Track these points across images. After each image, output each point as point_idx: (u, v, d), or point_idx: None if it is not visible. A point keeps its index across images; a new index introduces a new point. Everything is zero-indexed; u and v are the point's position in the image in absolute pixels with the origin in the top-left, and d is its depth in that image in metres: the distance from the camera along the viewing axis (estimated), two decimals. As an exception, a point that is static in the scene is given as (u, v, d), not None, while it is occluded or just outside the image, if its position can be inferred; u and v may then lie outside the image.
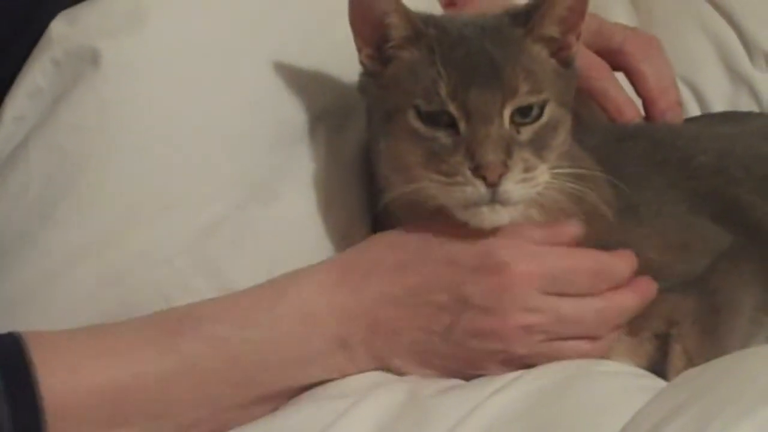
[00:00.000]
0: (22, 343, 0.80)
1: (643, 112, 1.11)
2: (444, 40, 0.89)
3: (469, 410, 0.82)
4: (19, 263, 0.87)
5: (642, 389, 0.84)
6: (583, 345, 0.90)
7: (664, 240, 0.94)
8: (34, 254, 0.87)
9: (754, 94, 1.24)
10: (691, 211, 0.96)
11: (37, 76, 0.89)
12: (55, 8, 0.91)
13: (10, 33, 0.89)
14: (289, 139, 0.95)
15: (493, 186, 0.85)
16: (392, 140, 0.90)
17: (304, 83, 0.96)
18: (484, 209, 0.86)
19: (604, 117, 1.10)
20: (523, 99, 0.87)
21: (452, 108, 0.86)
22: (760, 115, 1.20)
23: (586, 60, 1.06)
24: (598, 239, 0.92)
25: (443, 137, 0.87)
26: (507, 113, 0.87)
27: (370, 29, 0.91)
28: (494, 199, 0.85)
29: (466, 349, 0.88)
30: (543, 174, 0.87)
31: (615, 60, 1.11)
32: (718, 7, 1.27)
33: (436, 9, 1.10)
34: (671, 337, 0.92)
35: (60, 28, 0.90)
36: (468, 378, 0.88)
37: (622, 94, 1.10)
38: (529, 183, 0.86)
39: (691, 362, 0.90)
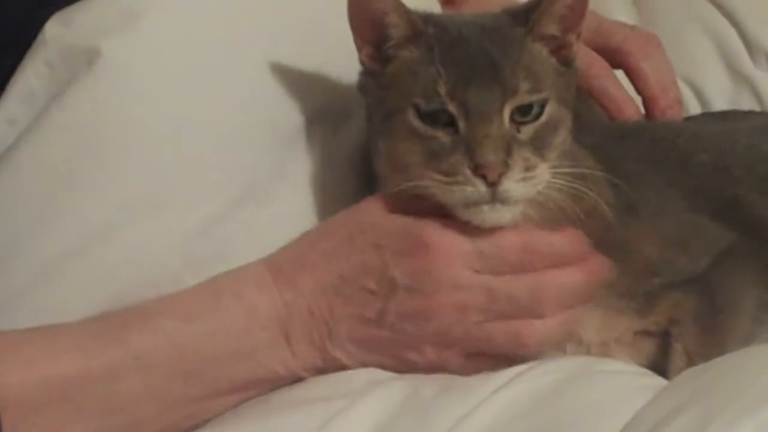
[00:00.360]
0: None
1: (643, 111, 1.11)
2: (443, 39, 0.89)
3: (469, 410, 0.82)
4: (11, 263, 0.86)
5: (642, 388, 0.84)
6: (527, 325, 0.88)
7: (664, 238, 0.94)
8: (27, 254, 0.87)
9: (756, 93, 1.24)
10: (691, 210, 0.95)
11: (30, 78, 0.89)
12: (52, 10, 0.91)
13: (6, 35, 0.89)
14: (285, 139, 0.95)
15: (493, 185, 0.85)
16: (392, 140, 0.90)
17: (301, 83, 0.96)
18: (485, 208, 0.86)
19: (604, 115, 1.10)
20: (523, 98, 0.87)
21: (452, 107, 0.86)
22: (761, 113, 1.20)
23: (585, 58, 1.06)
24: (597, 238, 0.92)
25: (443, 136, 0.87)
26: (507, 112, 0.87)
27: (370, 28, 0.91)
28: (495, 198, 0.85)
29: (402, 333, 0.87)
30: (544, 173, 0.87)
31: (615, 58, 1.11)
32: (719, 6, 1.27)
33: (436, 8, 1.10)
34: (672, 336, 0.92)
35: (54, 29, 0.90)
36: (418, 369, 0.88)
37: (622, 93, 1.10)
38: (530, 182, 0.86)
39: (692, 361, 0.90)
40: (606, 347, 0.93)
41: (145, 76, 0.90)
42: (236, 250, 0.90)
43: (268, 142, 0.94)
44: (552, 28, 0.91)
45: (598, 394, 0.83)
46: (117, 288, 0.87)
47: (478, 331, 0.88)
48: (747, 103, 1.23)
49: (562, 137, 0.90)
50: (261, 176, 0.93)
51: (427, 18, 0.91)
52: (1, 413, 0.77)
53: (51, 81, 0.89)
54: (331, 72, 0.98)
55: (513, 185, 0.85)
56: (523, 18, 0.90)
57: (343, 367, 0.89)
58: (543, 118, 0.88)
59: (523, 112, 0.88)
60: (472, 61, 0.87)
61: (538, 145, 0.87)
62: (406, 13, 0.90)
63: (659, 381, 0.89)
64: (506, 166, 0.85)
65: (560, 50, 0.92)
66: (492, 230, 0.88)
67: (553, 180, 0.88)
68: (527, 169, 0.86)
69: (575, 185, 0.88)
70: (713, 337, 0.92)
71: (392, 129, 0.90)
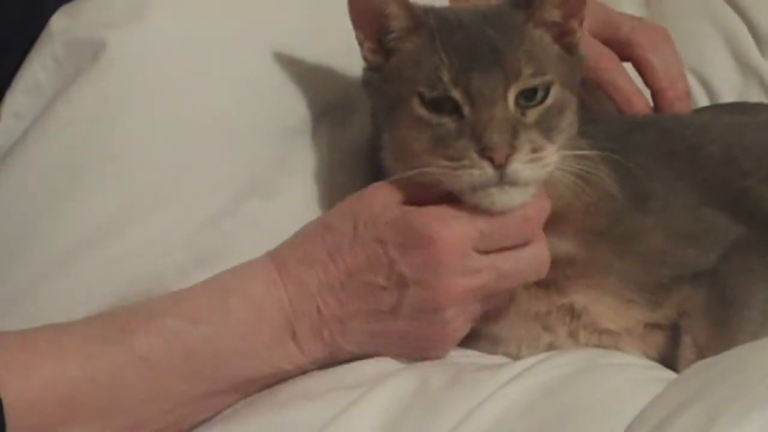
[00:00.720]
0: None
1: (651, 103, 1.11)
2: (444, 28, 0.89)
3: (478, 402, 0.82)
4: (18, 257, 0.86)
5: (651, 381, 0.84)
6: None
7: (673, 230, 0.93)
8: (33, 248, 0.86)
9: (764, 86, 1.24)
10: (700, 202, 0.95)
11: (37, 71, 0.89)
12: (58, 3, 0.91)
13: (12, 29, 0.89)
14: (291, 134, 0.95)
15: (500, 167, 0.85)
16: (398, 129, 0.90)
17: (307, 78, 0.96)
18: (494, 191, 0.86)
19: (612, 108, 1.10)
20: (526, 81, 0.87)
21: (455, 93, 0.86)
22: (770, 106, 1.20)
23: (594, 50, 1.06)
24: (606, 226, 0.92)
25: (448, 122, 0.87)
26: (511, 96, 0.87)
27: (370, 22, 0.91)
28: (503, 181, 0.85)
29: (418, 322, 0.87)
30: (552, 155, 0.87)
31: (623, 50, 1.11)
32: (727, -1, 1.27)
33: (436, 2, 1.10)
34: (681, 329, 0.92)
35: (60, 22, 0.90)
36: (425, 356, 0.89)
37: (631, 85, 1.10)
38: (539, 163, 0.86)
39: (701, 354, 0.90)
40: (618, 337, 0.93)
41: (151, 69, 0.89)
42: (242, 244, 0.90)
43: (273, 137, 0.94)
44: (553, 14, 0.91)
45: (607, 387, 0.84)
46: (123, 281, 0.87)
47: (487, 303, 0.90)
48: (755, 96, 1.23)
49: (568, 120, 0.90)
50: (267, 170, 0.93)
51: (427, 9, 0.91)
52: (7, 417, 0.77)
53: (57, 74, 0.89)
54: (337, 66, 0.98)
55: (521, 166, 0.85)
56: (524, 4, 0.90)
57: (351, 358, 0.89)
58: (548, 102, 0.88)
59: (528, 97, 0.88)
60: (473, 47, 0.87)
61: (545, 128, 0.87)
62: (406, 3, 0.90)
63: (668, 374, 0.89)
64: (512, 147, 0.85)
65: (563, 37, 0.92)
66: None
67: (563, 167, 0.88)
68: (534, 150, 0.86)
69: (584, 167, 0.88)
70: (723, 330, 0.91)
71: (398, 119, 0.90)
